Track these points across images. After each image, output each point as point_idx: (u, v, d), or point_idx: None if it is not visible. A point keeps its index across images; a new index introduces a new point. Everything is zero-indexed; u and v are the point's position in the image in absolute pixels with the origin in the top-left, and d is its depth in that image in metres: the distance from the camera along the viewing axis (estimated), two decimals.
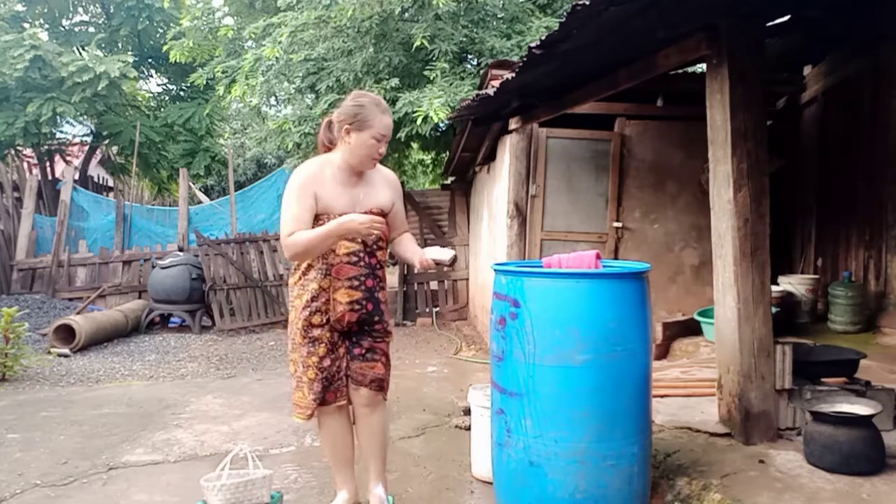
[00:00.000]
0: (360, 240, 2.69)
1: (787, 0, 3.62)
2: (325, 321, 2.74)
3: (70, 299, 9.21)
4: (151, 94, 14.48)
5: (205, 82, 9.92)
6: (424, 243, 9.55)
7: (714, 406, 3.44)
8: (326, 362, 2.76)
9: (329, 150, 2.79)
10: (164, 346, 7.58)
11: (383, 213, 2.79)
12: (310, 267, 2.73)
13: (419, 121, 6.69)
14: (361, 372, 2.81)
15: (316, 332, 2.74)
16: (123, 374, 6.26)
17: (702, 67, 4.58)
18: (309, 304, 2.72)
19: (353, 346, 2.81)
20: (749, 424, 3.15)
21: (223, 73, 8.90)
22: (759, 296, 3.18)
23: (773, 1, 3.39)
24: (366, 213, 2.69)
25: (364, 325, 2.80)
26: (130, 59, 10.43)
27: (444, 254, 2.85)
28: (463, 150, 7.68)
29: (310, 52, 7.51)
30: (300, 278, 2.77)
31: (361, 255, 2.74)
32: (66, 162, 11.82)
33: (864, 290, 5.35)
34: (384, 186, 2.85)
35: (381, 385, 2.85)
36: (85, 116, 11.33)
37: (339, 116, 2.72)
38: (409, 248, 2.95)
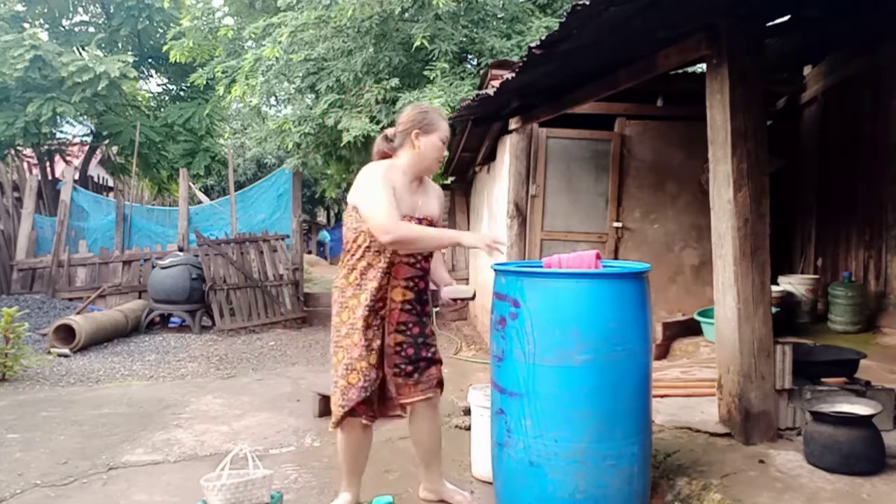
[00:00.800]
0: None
1: (787, 0, 3.62)
2: (379, 322, 2.78)
3: (70, 299, 9.21)
4: (151, 94, 14.48)
5: (205, 82, 9.92)
6: None
7: (714, 406, 3.44)
8: (373, 374, 2.77)
9: (386, 157, 2.86)
10: (164, 346, 7.58)
11: (433, 223, 2.88)
12: (369, 266, 2.75)
13: None
14: (428, 379, 2.88)
15: (370, 334, 2.76)
16: (123, 374, 6.26)
17: (702, 67, 4.58)
18: (368, 303, 2.74)
19: (402, 362, 2.84)
20: (749, 424, 3.15)
21: (223, 73, 8.90)
22: (759, 296, 3.18)
23: (773, 1, 3.39)
24: (421, 220, 2.80)
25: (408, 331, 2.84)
26: (130, 59, 10.43)
27: (464, 292, 2.93)
28: (463, 150, 7.69)
29: (310, 52, 7.51)
30: (357, 278, 2.77)
31: (419, 257, 2.82)
32: (66, 162, 11.82)
33: (864, 290, 5.36)
34: (435, 198, 2.96)
35: (441, 382, 2.96)
36: (85, 116, 11.33)
37: (404, 124, 2.81)
38: (439, 271, 3.04)
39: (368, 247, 2.74)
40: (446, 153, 2.86)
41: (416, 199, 2.83)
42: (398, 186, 2.74)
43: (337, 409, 2.79)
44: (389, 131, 2.88)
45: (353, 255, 2.78)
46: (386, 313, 2.79)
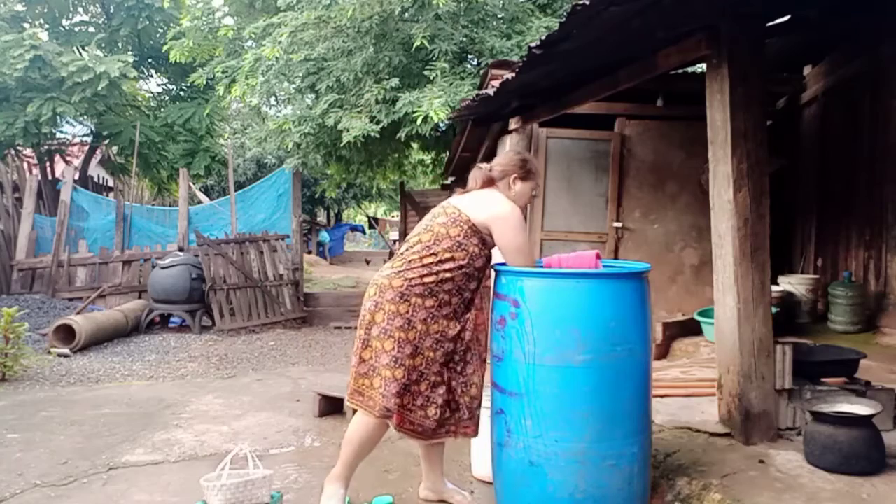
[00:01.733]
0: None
1: (787, 0, 3.62)
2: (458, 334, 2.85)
3: (70, 299, 9.21)
4: (151, 94, 14.46)
5: (205, 82, 9.91)
6: None
7: (714, 406, 3.44)
8: (441, 390, 2.81)
9: (491, 183, 3.01)
10: (164, 346, 7.58)
11: None
12: (452, 282, 2.80)
13: (419, 121, 6.69)
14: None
15: (448, 346, 2.83)
16: (123, 374, 6.26)
17: (702, 67, 4.58)
18: (450, 315, 2.82)
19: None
20: (749, 424, 3.15)
21: (223, 73, 8.90)
22: (759, 296, 3.18)
23: (773, 1, 3.39)
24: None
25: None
26: (130, 59, 10.41)
27: None
28: (463, 150, 7.69)
29: (310, 52, 7.50)
30: (437, 284, 2.78)
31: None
32: (66, 162, 11.81)
33: (864, 290, 5.36)
34: None
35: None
36: (85, 116, 11.31)
37: (504, 167, 3.01)
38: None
39: (465, 269, 2.81)
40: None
41: None
42: None
43: (385, 402, 2.76)
44: (501, 168, 3.03)
45: (441, 262, 2.79)
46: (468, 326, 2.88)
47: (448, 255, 2.79)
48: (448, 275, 2.78)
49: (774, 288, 4.91)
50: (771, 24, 3.75)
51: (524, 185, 2.99)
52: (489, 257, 2.91)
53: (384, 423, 2.83)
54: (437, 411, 2.80)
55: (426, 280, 2.77)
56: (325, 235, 22.43)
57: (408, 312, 2.76)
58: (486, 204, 2.87)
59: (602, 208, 6.03)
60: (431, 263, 2.79)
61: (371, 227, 29.48)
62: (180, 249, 9.38)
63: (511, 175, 2.98)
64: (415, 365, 2.77)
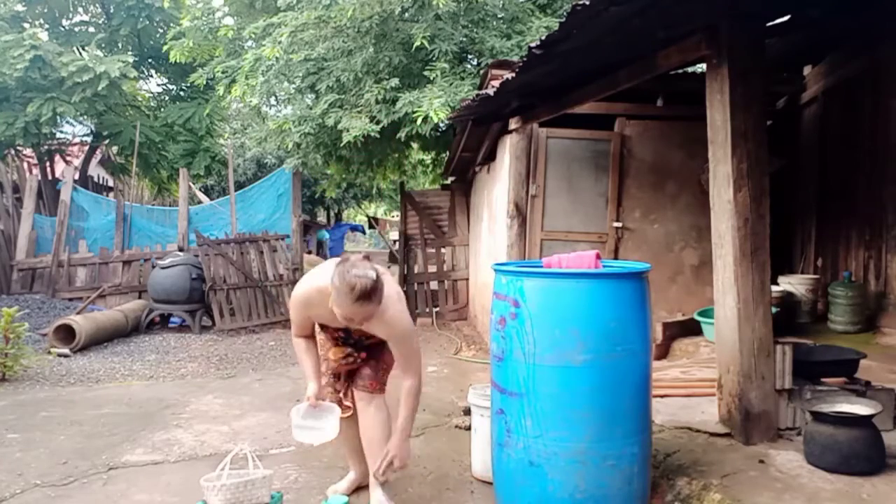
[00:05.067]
0: None
1: (787, 0, 3.62)
2: None
3: (70, 299, 9.20)
4: (151, 94, 14.45)
5: (205, 82, 9.90)
6: (425, 243, 9.57)
7: (714, 406, 3.44)
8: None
9: None
10: (164, 346, 7.57)
11: None
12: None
13: (419, 121, 6.68)
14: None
15: None
16: (123, 374, 6.26)
17: (702, 67, 4.57)
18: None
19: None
20: (749, 424, 3.15)
21: (223, 73, 8.89)
22: (759, 296, 3.18)
23: (773, 1, 3.39)
24: None
25: None
26: (130, 59, 10.41)
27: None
28: (463, 150, 7.68)
29: (310, 52, 7.50)
30: None
31: None
32: (66, 162, 11.81)
33: (864, 290, 5.36)
34: None
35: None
36: (85, 116, 11.30)
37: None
38: None
39: None
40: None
41: None
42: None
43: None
44: None
45: None
46: None
47: None
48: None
49: (774, 288, 4.91)
50: (771, 24, 3.75)
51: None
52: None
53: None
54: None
55: None
56: (323, 234, 22.42)
57: None
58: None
59: (602, 208, 6.03)
60: None
61: (371, 227, 29.46)
62: (180, 249, 9.37)
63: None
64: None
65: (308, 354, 3.01)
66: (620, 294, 2.63)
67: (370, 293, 2.55)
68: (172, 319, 8.77)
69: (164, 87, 14.10)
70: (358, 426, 3.05)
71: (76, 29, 12.37)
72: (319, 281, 2.79)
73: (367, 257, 2.72)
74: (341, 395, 3.09)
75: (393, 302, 2.76)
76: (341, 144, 7.59)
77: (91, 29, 12.36)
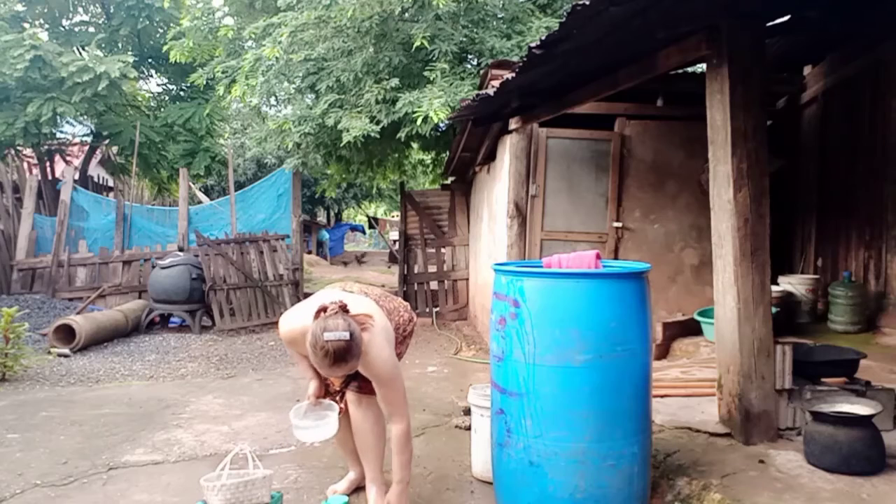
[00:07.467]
0: None
1: (787, 0, 3.62)
2: None
3: (70, 299, 9.21)
4: (151, 94, 14.45)
5: (205, 82, 9.91)
6: (425, 243, 9.57)
7: (714, 406, 3.44)
8: None
9: None
10: (164, 346, 7.57)
11: None
12: None
13: (419, 121, 6.69)
14: None
15: None
16: (123, 374, 6.26)
17: (702, 67, 4.58)
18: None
19: None
20: (749, 424, 3.15)
21: (223, 73, 8.89)
22: (759, 296, 3.18)
23: (773, 1, 3.39)
24: None
25: None
26: (130, 59, 10.40)
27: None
28: (463, 150, 7.68)
29: (310, 52, 7.50)
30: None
31: None
32: (66, 162, 11.81)
33: (864, 290, 5.36)
34: None
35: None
36: (85, 116, 11.30)
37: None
38: None
39: None
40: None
41: None
42: None
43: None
44: None
45: None
46: None
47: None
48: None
49: (774, 288, 4.91)
50: (771, 24, 3.75)
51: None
52: None
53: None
54: None
55: None
56: (324, 234, 22.44)
57: None
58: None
59: (602, 208, 6.03)
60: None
61: (371, 227, 29.50)
62: (180, 249, 9.37)
63: None
64: None
65: (304, 357, 3.00)
66: (620, 294, 2.63)
67: (344, 355, 2.49)
68: (172, 319, 8.77)
69: (164, 87, 14.11)
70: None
71: (76, 29, 12.37)
72: (303, 321, 2.72)
73: (343, 307, 2.58)
74: (336, 398, 3.08)
75: (376, 344, 2.68)
76: (341, 144, 7.60)
77: (91, 29, 12.36)
